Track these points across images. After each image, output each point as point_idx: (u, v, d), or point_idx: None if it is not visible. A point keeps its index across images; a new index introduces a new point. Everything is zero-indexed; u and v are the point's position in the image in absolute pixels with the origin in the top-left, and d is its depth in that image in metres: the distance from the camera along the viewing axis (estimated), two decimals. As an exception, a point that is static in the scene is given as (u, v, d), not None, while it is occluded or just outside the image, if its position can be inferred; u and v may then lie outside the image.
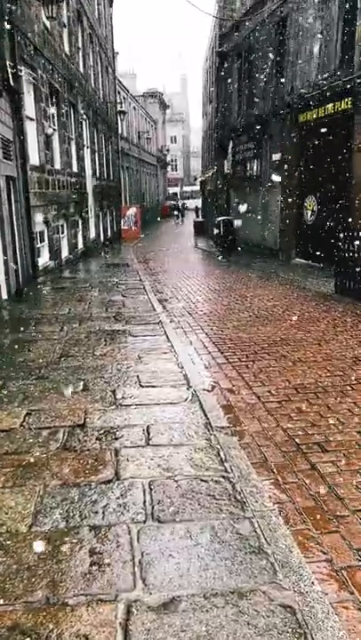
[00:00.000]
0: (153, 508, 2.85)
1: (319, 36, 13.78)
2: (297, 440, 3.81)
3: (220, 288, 11.82)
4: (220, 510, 2.83)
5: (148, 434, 3.79)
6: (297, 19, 14.95)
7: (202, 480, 3.14)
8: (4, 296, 9.60)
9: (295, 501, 3.02)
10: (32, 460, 3.40)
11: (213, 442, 3.67)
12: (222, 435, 3.79)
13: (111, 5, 27.27)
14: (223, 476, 3.19)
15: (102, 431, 3.85)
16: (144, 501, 2.92)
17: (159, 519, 2.75)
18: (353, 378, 5.18)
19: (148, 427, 3.92)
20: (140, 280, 12.45)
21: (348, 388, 4.89)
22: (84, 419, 4.08)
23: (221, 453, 3.49)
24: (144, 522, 2.73)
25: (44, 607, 2.17)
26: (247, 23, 19.45)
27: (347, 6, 12.40)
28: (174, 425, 3.94)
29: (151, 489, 3.04)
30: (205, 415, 4.13)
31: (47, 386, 4.90)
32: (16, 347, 6.31)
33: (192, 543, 2.55)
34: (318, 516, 2.86)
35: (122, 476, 3.19)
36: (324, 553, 2.56)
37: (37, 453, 3.49)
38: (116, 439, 3.71)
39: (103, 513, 2.81)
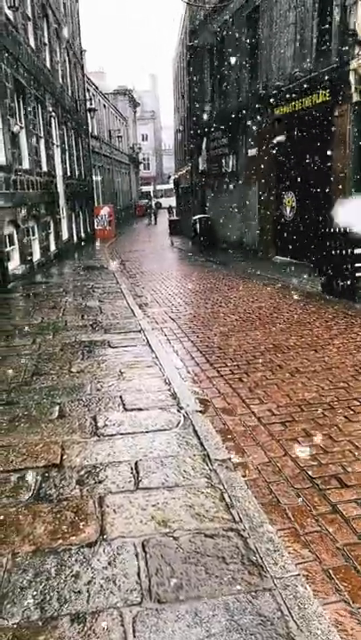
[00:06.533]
0: (150, 581, 2.29)
1: (294, 26, 13.35)
2: (310, 472, 3.29)
3: (202, 289, 11.29)
4: (233, 580, 2.29)
5: (137, 473, 3.22)
6: (270, 9, 14.51)
7: (207, 536, 2.59)
8: (-29, 306, 8.88)
9: (321, 559, 2.50)
10: (-2, 517, 2.80)
11: (215, 480, 3.12)
12: (224, 470, 3.24)
13: (77, 0, 26.43)
14: (232, 529, 2.65)
15: (83, 472, 3.26)
16: (138, 572, 2.35)
17: (159, 598, 2.19)
18: (359, 390, 4.70)
19: (136, 463, 3.35)
20: (117, 283, 11.83)
21: (356, 402, 4.41)
22: (61, 456, 3.48)
23: (226, 496, 2.94)
24: (140, 603, 2.17)
25: None
26: (218, 16, 18.95)
27: (322, -5, 12.00)
28: (167, 460, 3.38)
29: (146, 552, 2.48)
30: (202, 444, 3.59)
31: (17, 413, 4.28)
32: (-18, 365, 5.66)
33: (204, 634, 2.00)
34: (353, 581, 2.35)
35: (109, 536, 2.61)
36: (371, 638, 2.04)
37: (4, 507, 2.88)
38: (100, 482, 3.13)
39: (88, 593, 2.24)
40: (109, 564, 2.41)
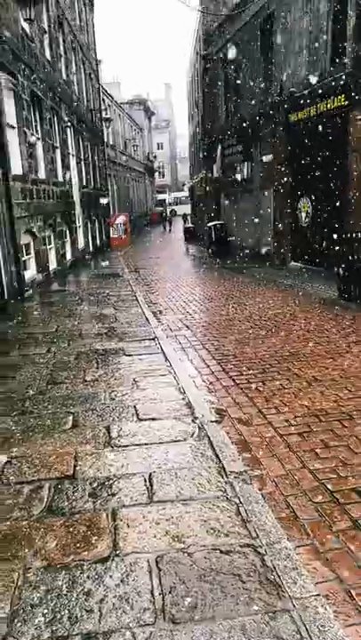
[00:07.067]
0: (164, 599, 2.22)
1: (308, 31, 13.30)
2: (329, 486, 3.19)
3: (217, 296, 11.22)
4: (250, 600, 2.20)
5: (151, 485, 3.16)
6: (284, 15, 14.49)
7: (222, 552, 2.51)
8: (-13, 315, 8.94)
9: (343, 578, 2.40)
10: (9, 531, 2.75)
11: (230, 493, 3.04)
12: (240, 482, 3.16)
13: (92, 11, 26.76)
14: (248, 545, 2.56)
15: (96, 484, 3.20)
16: (151, 589, 2.28)
17: (173, 618, 2.11)
18: (379, 399, 4.58)
19: (150, 475, 3.28)
20: (132, 291, 11.83)
21: (376, 412, 4.29)
22: (74, 467, 3.43)
23: (242, 510, 2.86)
24: (153, 623, 2.09)
25: None
26: (232, 24, 18.99)
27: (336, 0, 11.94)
28: (181, 472, 3.31)
29: (160, 569, 2.41)
30: (217, 456, 3.51)
31: (31, 423, 4.26)
32: (-3, 374, 5.66)
33: (219, 657, 1.92)
34: (377, 602, 2.24)
35: (122, 551, 2.55)
36: (396, 665, 1.94)
37: (15, 521, 2.84)
38: (113, 495, 3.07)
39: (100, 612, 2.17)
40: (122, 581, 2.34)
